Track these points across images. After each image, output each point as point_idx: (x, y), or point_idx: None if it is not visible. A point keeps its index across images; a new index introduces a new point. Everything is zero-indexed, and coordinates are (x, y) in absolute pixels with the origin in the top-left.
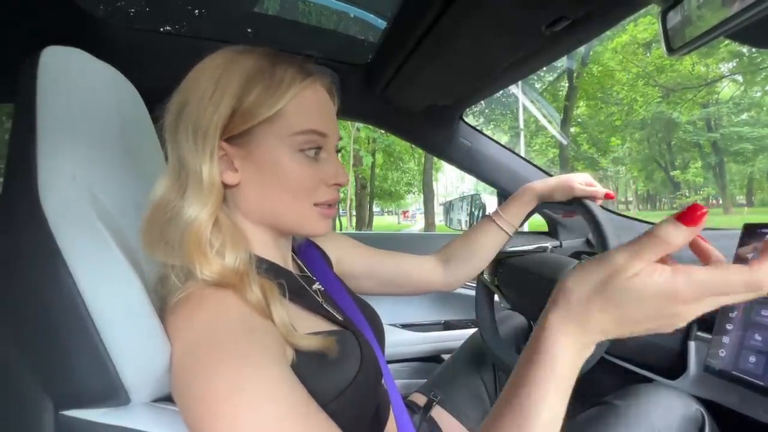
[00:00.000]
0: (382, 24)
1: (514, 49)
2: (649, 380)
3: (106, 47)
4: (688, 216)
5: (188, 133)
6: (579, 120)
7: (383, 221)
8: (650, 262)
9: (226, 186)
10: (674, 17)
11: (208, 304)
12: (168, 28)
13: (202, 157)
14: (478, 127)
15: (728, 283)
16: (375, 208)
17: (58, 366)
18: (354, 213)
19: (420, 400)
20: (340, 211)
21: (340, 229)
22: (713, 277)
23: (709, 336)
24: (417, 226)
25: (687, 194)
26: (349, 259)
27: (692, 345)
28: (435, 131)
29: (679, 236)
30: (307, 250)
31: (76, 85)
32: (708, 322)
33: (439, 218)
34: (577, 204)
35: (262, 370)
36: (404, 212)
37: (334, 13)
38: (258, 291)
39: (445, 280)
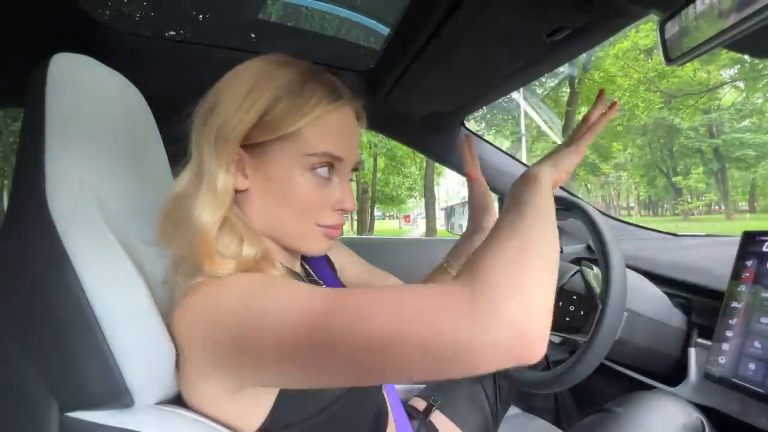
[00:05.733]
0: (384, 30)
1: (515, 57)
2: (650, 387)
3: (111, 53)
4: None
5: (211, 136)
6: None
7: (385, 225)
8: None
9: (235, 191)
10: (672, 28)
11: (232, 277)
12: (172, 33)
13: (219, 164)
14: (479, 132)
15: None
16: (376, 213)
17: (64, 368)
18: (356, 217)
19: (419, 404)
20: None
21: (341, 234)
22: None
23: (709, 343)
24: (418, 230)
25: (689, 200)
26: (348, 270)
27: (692, 352)
28: (436, 137)
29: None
30: (314, 256)
31: (84, 91)
32: (708, 329)
33: (440, 223)
34: (577, 210)
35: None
36: (406, 216)
37: (337, 19)
38: (282, 268)
39: None
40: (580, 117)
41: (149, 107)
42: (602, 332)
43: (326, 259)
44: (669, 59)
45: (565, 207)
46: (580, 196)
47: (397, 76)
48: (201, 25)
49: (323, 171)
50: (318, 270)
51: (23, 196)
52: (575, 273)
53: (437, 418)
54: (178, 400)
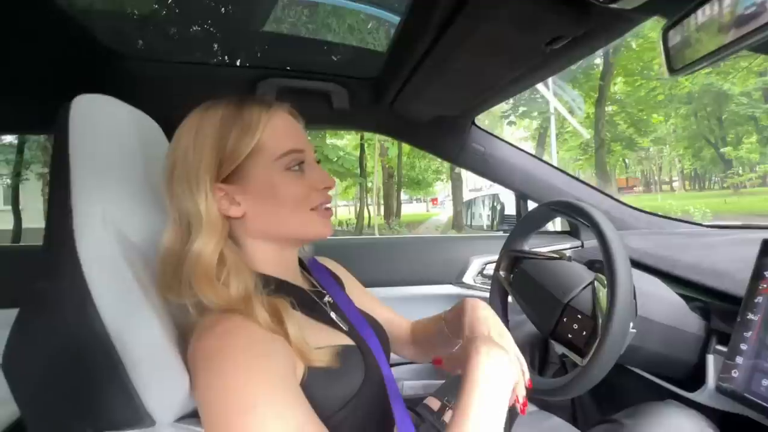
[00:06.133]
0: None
1: (515, 66)
2: (668, 390)
3: (130, 80)
4: None
5: (182, 185)
6: (617, 97)
7: (411, 209)
8: None
9: (233, 218)
10: (675, 37)
11: (223, 337)
12: (188, 57)
13: (198, 199)
14: (506, 114)
15: None
16: (403, 197)
17: (91, 399)
18: (382, 202)
19: (434, 404)
20: (369, 200)
21: (369, 219)
22: None
23: (727, 349)
24: (446, 213)
25: (740, 172)
26: (350, 293)
27: (710, 358)
28: (447, 139)
29: None
30: (317, 267)
31: (104, 130)
32: (727, 336)
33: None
34: (586, 218)
35: (273, 394)
36: (433, 200)
37: (343, 25)
38: (265, 313)
39: (414, 352)
40: (616, 88)
41: (170, 130)
42: (598, 365)
43: (331, 275)
44: (672, 70)
45: (575, 215)
46: (616, 172)
47: (401, 83)
48: (207, 44)
49: (296, 167)
50: (323, 282)
51: (55, 234)
52: (586, 287)
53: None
54: (196, 413)
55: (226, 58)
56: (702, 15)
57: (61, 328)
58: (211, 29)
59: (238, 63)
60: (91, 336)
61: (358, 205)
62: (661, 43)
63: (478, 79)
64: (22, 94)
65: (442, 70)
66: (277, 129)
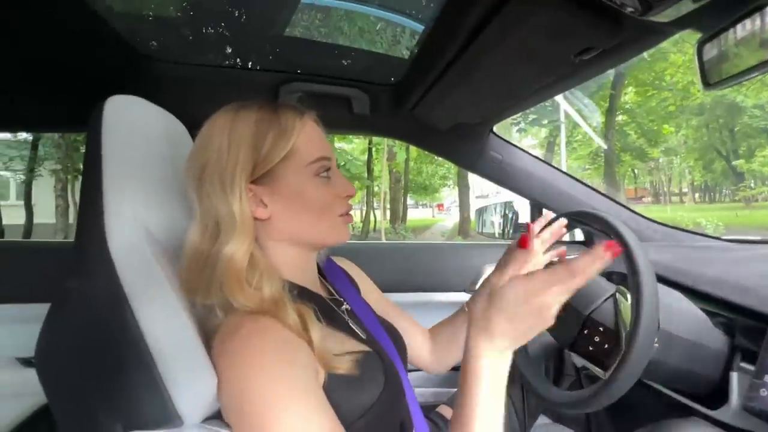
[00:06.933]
0: (412, 43)
1: (542, 76)
2: (688, 407)
3: (157, 81)
4: (521, 242)
5: (215, 185)
6: (627, 107)
7: (417, 215)
8: (512, 274)
9: (258, 220)
10: (711, 50)
11: (250, 339)
12: (212, 59)
13: (232, 200)
14: (515, 121)
15: (556, 274)
16: (409, 201)
17: (124, 397)
18: (388, 207)
19: (447, 412)
20: (375, 204)
21: (374, 223)
22: (547, 273)
23: (752, 368)
24: (451, 219)
25: (752, 185)
26: (367, 298)
27: (734, 376)
28: (465, 146)
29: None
30: (333, 271)
31: (135, 131)
32: (752, 353)
33: (474, 212)
34: (609, 229)
35: (297, 397)
36: (439, 205)
37: (364, 32)
38: (294, 315)
39: (431, 360)
40: (626, 98)
41: (192, 132)
42: (622, 379)
43: (349, 278)
44: (707, 84)
45: (598, 225)
46: (625, 183)
47: (423, 90)
48: (238, 49)
49: (324, 173)
50: (341, 288)
51: (87, 234)
52: (608, 298)
53: None
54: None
55: (248, 62)
56: (741, 30)
57: (94, 325)
58: (234, 33)
59: (259, 67)
60: (124, 333)
61: (364, 209)
62: (695, 56)
63: (503, 87)
64: (50, 93)
65: (467, 78)
66: (309, 135)
